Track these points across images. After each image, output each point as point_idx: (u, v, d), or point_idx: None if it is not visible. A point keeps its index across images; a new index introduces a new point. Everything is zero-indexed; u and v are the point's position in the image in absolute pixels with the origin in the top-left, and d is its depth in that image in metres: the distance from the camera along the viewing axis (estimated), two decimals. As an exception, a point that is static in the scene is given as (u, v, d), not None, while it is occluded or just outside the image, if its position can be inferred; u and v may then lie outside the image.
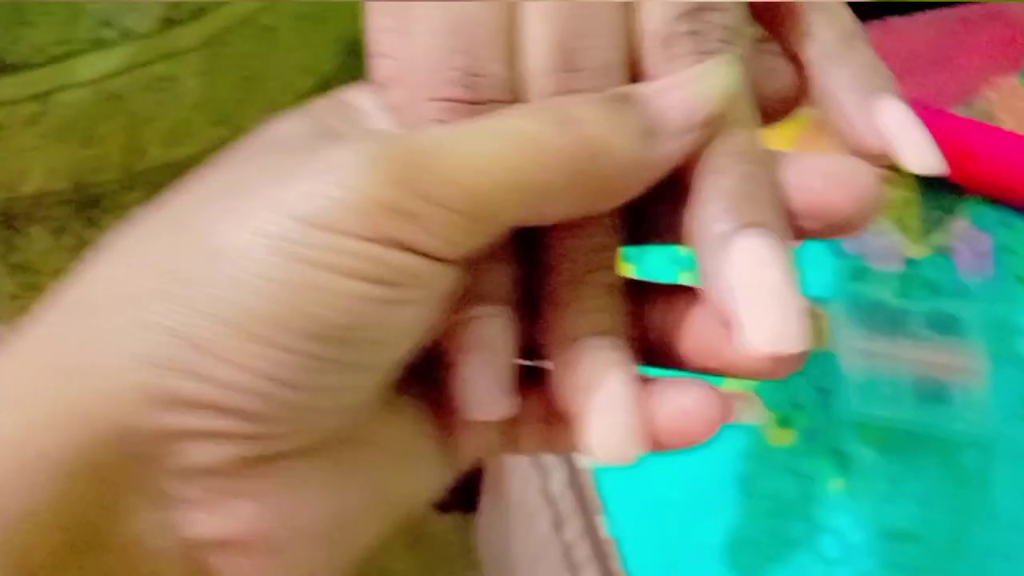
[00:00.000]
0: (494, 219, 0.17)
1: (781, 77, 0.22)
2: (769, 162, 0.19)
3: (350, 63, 0.43)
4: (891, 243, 0.42)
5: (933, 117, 0.41)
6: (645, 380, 0.20)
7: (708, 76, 0.19)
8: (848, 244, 0.42)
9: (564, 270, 0.20)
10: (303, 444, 0.17)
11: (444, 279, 0.18)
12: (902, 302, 0.40)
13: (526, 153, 0.17)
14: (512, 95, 0.19)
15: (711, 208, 0.19)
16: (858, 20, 0.22)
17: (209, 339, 0.15)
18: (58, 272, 0.17)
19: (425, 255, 0.17)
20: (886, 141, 0.21)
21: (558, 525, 0.48)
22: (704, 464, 0.37)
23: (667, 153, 0.18)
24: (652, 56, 0.19)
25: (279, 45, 0.41)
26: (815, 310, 0.19)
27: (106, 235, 0.17)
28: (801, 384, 0.38)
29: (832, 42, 0.21)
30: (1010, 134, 0.43)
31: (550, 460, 0.46)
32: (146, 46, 0.38)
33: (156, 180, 0.40)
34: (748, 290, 0.18)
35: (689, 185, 0.19)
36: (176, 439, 0.16)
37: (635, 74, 0.20)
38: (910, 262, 0.42)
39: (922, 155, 0.20)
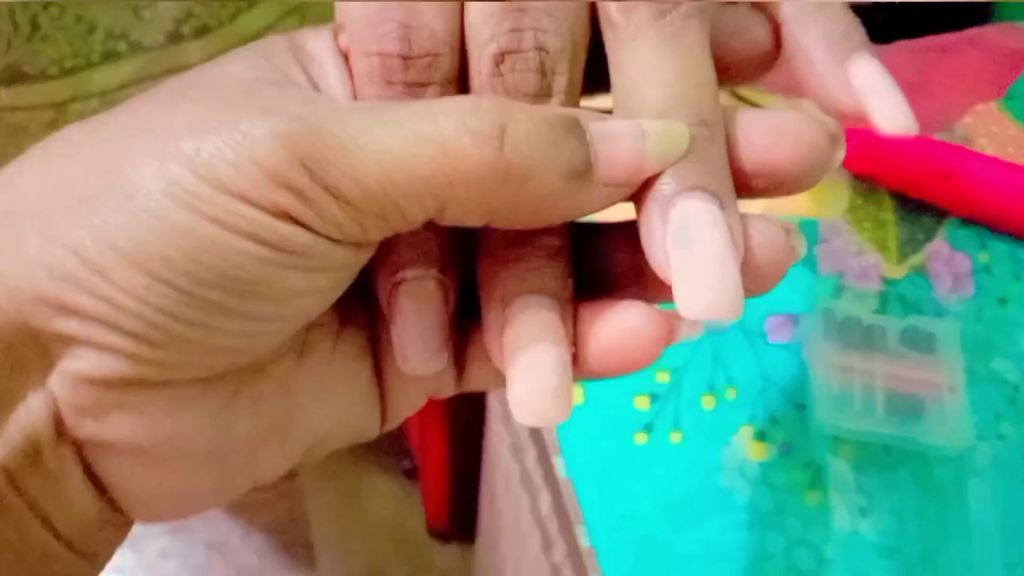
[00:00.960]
0: (394, 218, 0.17)
1: (753, 33, 0.21)
2: (718, 123, 0.19)
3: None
4: (869, 264, 0.42)
5: (911, 141, 0.42)
6: (585, 301, 0.19)
7: (663, 135, 0.18)
8: (826, 264, 0.43)
9: (509, 231, 0.19)
10: (194, 376, 0.18)
11: (338, 257, 0.18)
12: (878, 318, 0.40)
13: (438, 162, 0.17)
14: (452, 53, 0.19)
15: None
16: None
17: (102, 262, 0.16)
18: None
19: (317, 234, 0.17)
20: (859, 100, 0.20)
21: (547, 546, 0.47)
22: (681, 476, 0.37)
23: (594, 200, 0.18)
24: (609, 37, 0.19)
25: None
26: (787, 225, 0.19)
27: (49, 137, 0.19)
28: (778, 398, 0.39)
29: None
30: (988, 157, 0.43)
31: (538, 481, 0.46)
32: (154, 58, 0.39)
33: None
34: (684, 255, 0.18)
35: None
36: (65, 343, 0.17)
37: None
38: (888, 282, 0.42)
39: (894, 114, 0.20)
